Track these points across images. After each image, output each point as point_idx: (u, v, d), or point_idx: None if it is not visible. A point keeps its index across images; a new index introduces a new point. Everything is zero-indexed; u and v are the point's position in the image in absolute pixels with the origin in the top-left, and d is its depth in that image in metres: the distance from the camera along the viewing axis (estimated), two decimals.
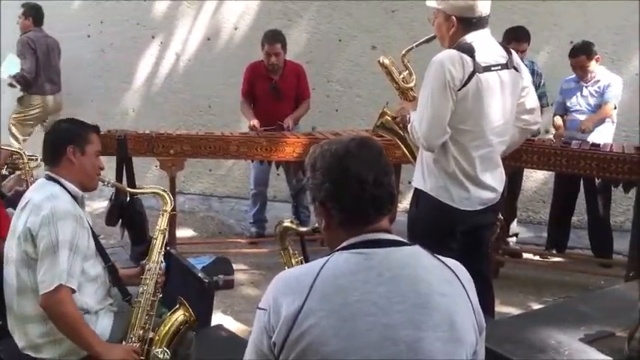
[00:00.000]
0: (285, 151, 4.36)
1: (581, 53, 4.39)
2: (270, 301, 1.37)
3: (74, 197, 2.28)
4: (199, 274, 2.97)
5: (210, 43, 6.12)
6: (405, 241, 1.45)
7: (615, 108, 4.44)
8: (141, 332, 2.25)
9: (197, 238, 5.13)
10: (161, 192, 2.57)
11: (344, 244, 1.43)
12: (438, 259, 1.44)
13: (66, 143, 2.32)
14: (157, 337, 2.23)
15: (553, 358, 1.81)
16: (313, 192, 1.48)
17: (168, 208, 2.52)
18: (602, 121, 4.45)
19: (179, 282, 3.06)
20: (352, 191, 1.41)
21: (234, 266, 4.29)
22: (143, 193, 2.73)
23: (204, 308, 2.92)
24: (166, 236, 2.48)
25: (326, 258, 1.40)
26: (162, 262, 2.43)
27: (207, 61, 6.14)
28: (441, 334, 1.34)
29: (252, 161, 4.64)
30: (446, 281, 1.40)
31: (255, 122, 4.70)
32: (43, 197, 2.20)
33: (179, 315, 2.24)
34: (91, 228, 2.33)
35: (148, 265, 2.37)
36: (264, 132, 4.63)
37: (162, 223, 2.48)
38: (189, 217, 5.60)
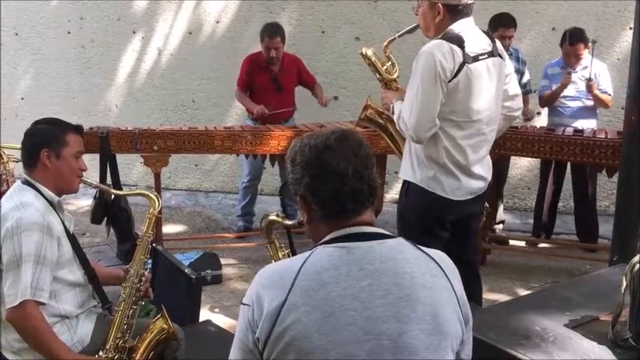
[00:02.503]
0: (270, 144, 4.35)
1: (579, 41, 4.39)
2: (253, 297, 1.37)
3: (51, 202, 2.22)
4: (186, 270, 2.95)
5: (192, 38, 6.08)
6: (388, 233, 1.44)
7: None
8: (119, 342, 2.22)
9: (184, 234, 5.10)
10: (147, 193, 2.50)
11: (326, 238, 1.43)
12: (422, 250, 1.44)
13: (40, 147, 2.22)
14: (138, 346, 2.21)
15: (538, 344, 1.82)
16: (294, 186, 1.47)
17: (155, 210, 2.42)
18: (595, 106, 4.48)
19: (166, 279, 3.05)
20: (332, 185, 1.41)
21: (222, 261, 4.28)
22: (129, 195, 2.64)
23: (191, 304, 2.92)
24: (151, 240, 2.42)
25: (308, 252, 1.40)
26: (146, 268, 2.37)
27: (189, 55, 6.10)
28: (425, 327, 1.34)
29: (247, 156, 4.62)
30: (429, 273, 1.40)
31: (260, 107, 4.68)
32: (12, 207, 2.13)
33: (161, 324, 2.21)
34: (70, 233, 2.27)
35: (130, 272, 2.32)
36: (272, 116, 4.67)
37: (148, 227, 2.39)
38: (176, 213, 5.57)
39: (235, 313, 3.62)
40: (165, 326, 2.18)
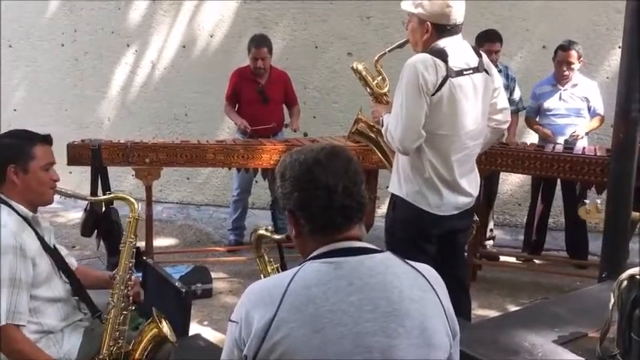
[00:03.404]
0: (262, 158, 4.35)
1: (572, 49, 4.44)
2: (241, 314, 1.36)
3: (25, 218, 2.16)
4: (176, 284, 2.93)
5: (185, 51, 6.11)
6: (376, 248, 1.45)
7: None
8: (113, 348, 2.20)
9: (175, 247, 5.09)
10: (124, 197, 2.43)
11: (314, 253, 1.43)
12: (409, 264, 1.45)
13: (6, 163, 2.14)
14: (132, 351, 2.19)
15: None
16: (283, 201, 1.47)
17: (135, 214, 2.36)
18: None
19: (156, 292, 3.03)
20: (320, 201, 1.41)
21: (213, 275, 4.27)
22: (105, 200, 2.54)
23: (181, 318, 2.89)
24: (135, 244, 2.37)
25: (297, 268, 1.40)
26: (132, 272, 2.35)
27: (183, 69, 6.12)
28: (414, 341, 1.34)
29: (238, 170, 4.63)
30: (417, 287, 1.40)
31: (244, 122, 4.73)
32: None
33: (154, 327, 2.20)
34: (50, 246, 2.23)
35: (116, 277, 2.30)
36: (253, 132, 4.70)
37: (130, 231, 2.34)
38: (167, 226, 5.55)
39: (225, 327, 3.56)
40: (156, 329, 2.17)
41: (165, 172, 4.58)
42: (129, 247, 2.33)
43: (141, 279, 2.97)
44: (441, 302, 1.42)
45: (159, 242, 4.98)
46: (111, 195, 2.53)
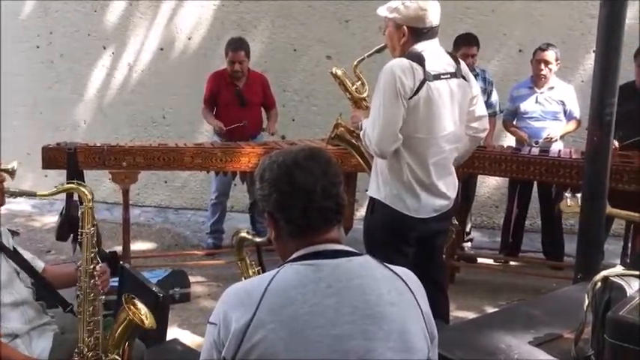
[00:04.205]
0: (240, 161, 4.33)
1: (551, 49, 4.50)
2: (220, 316, 1.36)
3: None
4: (154, 288, 2.91)
5: (163, 54, 6.06)
6: (355, 251, 1.45)
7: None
8: (89, 340, 2.18)
9: (152, 251, 5.04)
10: (77, 187, 2.34)
11: (293, 255, 1.43)
12: (388, 268, 1.45)
13: None
14: (109, 339, 2.17)
15: None
16: (262, 203, 1.47)
17: (90, 203, 2.29)
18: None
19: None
20: (299, 203, 1.41)
21: (191, 279, 4.24)
22: (56, 193, 2.43)
23: (158, 323, 2.87)
24: (93, 233, 2.29)
25: (276, 270, 1.40)
26: (97, 262, 2.28)
27: (160, 71, 6.08)
28: (392, 344, 1.35)
29: (217, 173, 4.61)
30: (396, 290, 1.41)
31: (219, 123, 4.72)
32: None
33: (125, 314, 2.17)
34: (8, 248, 2.19)
35: (80, 270, 2.25)
36: (228, 132, 4.70)
37: (85, 221, 2.27)
38: (145, 230, 5.51)
39: (203, 331, 3.55)
40: (126, 315, 2.13)
41: (142, 175, 4.54)
42: (87, 237, 2.28)
43: (118, 284, 2.95)
44: (419, 305, 1.43)
45: (136, 246, 4.93)
46: (62, 187, 2.42)
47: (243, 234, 2.13)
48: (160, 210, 6.14)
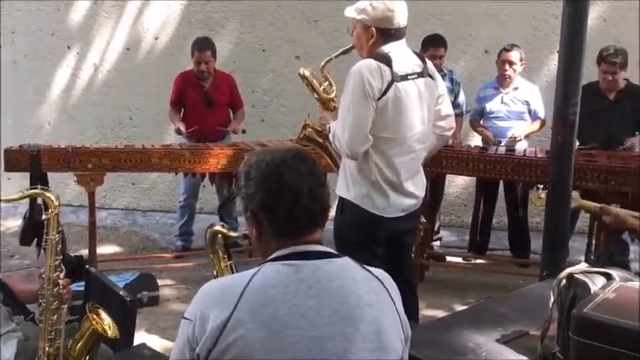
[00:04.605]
0: (209, 162, 4.30)
1: (514, 50, 4.57)
2: (196, 312, 1.35)
3: None
4: (121, 293, 2.87)
5: (129, 53, 5.98)
6: (335, 252, 1.46)
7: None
8: (50, 349, 2.13)
9: (120, 255, 4.97)
10: (42, 192, 2.24)
11: (275, 254, 1.42)
12: (367, 270, 1.46)
13: None
14: (70, 350, 2.12)
15: None
16: (246, 201, 1.46)
17: (55, 209, 2.21)
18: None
19: (99, 302, 2.94)
20: (286, 203, 1.40)
21: (160, 282, 4.19)
22: (22, 199, 2.34)
23: (126, 328, 2.82)
24: (58, 240, 2.22)
25: (256, 269, 1.39)
26: (61, 270, 2.22)
27: (126, 71, 5.99)
28: (369, 345, 1.35)
29: (185, 175, 4.56)
30: (374, 292, 1.42)
31: (180, 125, 4.66)
32: None
33: (88, 324, 2.12)
34: None
35: (43, 277, 2.18)
36: (190, 135, 4.66)
37: (51, 228, 2.19)
38: (112, 233, 5.42)
39: (173, 335, 3.53)
40: (91, 325, 2.09)
41: (109, 177, 4.47)
42: (52, 244, 2.23)
43: (84, 288, 2.90)
44: (395, 307, 1.44)
45: (103, 250, 4.86)
46: (28, 192, 2.29)
47: (218, 227, 2.13)
48: (127, 212, 6.05)
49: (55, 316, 2.16)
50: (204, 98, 4.78)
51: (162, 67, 5.76)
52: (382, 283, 1.44)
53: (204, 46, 4.74)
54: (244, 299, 1.32)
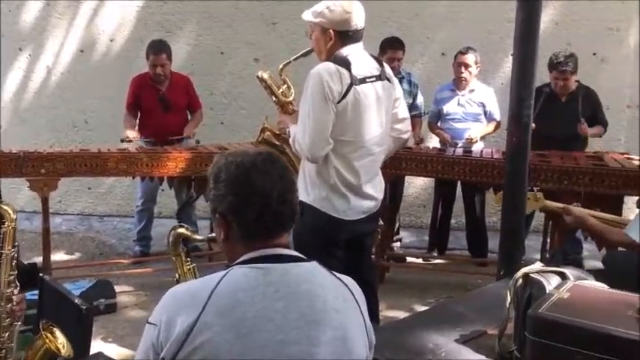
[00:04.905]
0: (167, 166, 4.24)
1: (470, 53, 4.64)
2: (161, 317, 1.33)
3: None
4: (76, 301, 2.80)
5: (84, 56, 5.85)
6: (303, 257, 1.45)
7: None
8: None
9: (75, 261, 4.85)
10: None
11: (243, 258, 1.41)
12: (335, 275, 1.46)
13: None
14: None
15: None
16: (214, 203, 1.44)
17: (12, 223, 2.15)
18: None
19: (54, 311, 2.87)
20: (255, 206, 1.40)
21: (117, 288, 4.11)
22: None
23: (81, 337, 2.76)
24: (14, 255, 2.17)
25: (223, 272, 1.38)
26: (16, 286, 2.16)
27: (81, 74, 5.86)
28: (334, 349, 1.36)
29: (142, 179, 4.48)
30: (341, 297, 1.42)
31: (129, 133, 4.56)
32: None
33: (41, 342, 2.06)
34: None
35: None
36: (140, 142, 4.59)
37: (7, 242, 2.13)
38: (67, 239, 5.29)
39: (131, 342, 3.48)
40: (44, 343, 2.03)
41: (64, 182, 4.37)
42: (7, 259, 2.16)
43: (37, 297, 2.82)
44: (362, 313, 1.45)
45: (58, 257, 4.74)
46: None
47: (182, 230, 2.09)
48: (83, 218, 5.92)
49: (7, 334, 2.09)
50: (160, 102, 4.71)
51: (118, 70, 5.66)
52: (350, 289, 1.45)
53: (159, 49, 4.67)
54: (212, 302, 1.31)
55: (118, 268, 4.61)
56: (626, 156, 4.34)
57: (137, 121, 4.86)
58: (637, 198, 2.95)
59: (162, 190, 5.00)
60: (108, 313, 3.89)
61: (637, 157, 4.25)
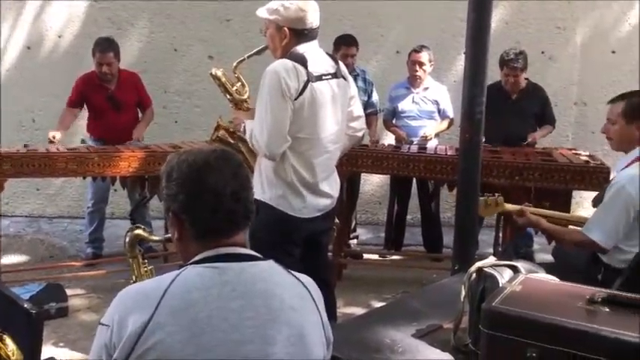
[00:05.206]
0: (119, 166, 4.15)
1: (423, 51, 4.69)
2: (114, 317, 1.30)
3: None
4: (25, 305, 2.71)
5: (31, 53, 5.68)
6: (259, 255, 1.44)
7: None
8: None
9: (24, 265, 4.70)
10: None
11: (197, 257, 1.39)
12: (291, 274, 1.45)
13: None
14: None
15: (388, 356, 1.89)
16: (167, 202, 1.42)
17: None
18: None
19: (2, 317, 2.78)
20: (208, 204, 1.38)
21: (69, 292, 4.01)
22: None
23: (31, 343, 2.68)
24: None
25: (177, 271, 1.36)
26: None
27: (28, 71, 5.69)
28: (291, 349, 1.35)
29: (94, 179, 4.37)
30: (298, 296, 1.41)
31: (55, 134, 4.42)
32: None
33: None
34: None
35: None
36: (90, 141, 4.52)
37: None
38: (15, 242, 5.13)
39: (84, 346, 3.40)
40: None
41: (11, 183, 4.22)
42: None
43: None
44: (319, 312, 1.44)
45: (6, 260, 4.59)
46: None
47: (139, 231, 2.05)
48: (32, 220, 5.75)
49: None
50: (110, 101, 4.59)
51: (67, 67, 5.50)
52: (307, 288, 1.45)
53: (106, 47, 4.51)
54: (165, 302, 1.29)
55: (70, 270, 4.49)
56: (574, 152, 4.48)
57: (86, 121, 4.74)
58: (592, 196, 3.02)
59: (115, 190, 4.90)
60: (59, 317, 3.79)
61: (584, 153, 4.39)
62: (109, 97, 4.59)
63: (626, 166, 2.72)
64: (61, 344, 3.48)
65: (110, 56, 4.51)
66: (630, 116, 2.73)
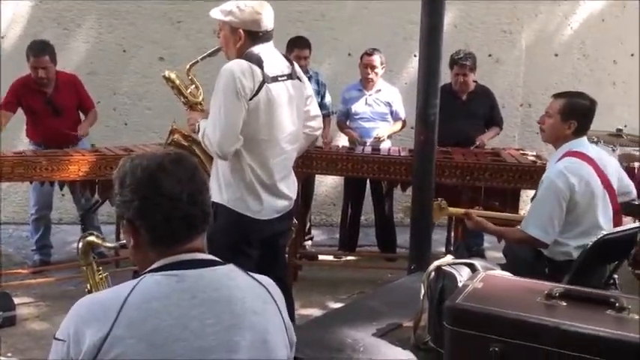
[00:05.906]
0: (69, 170, 4.03)
1: (375, 54, 4.74)
2: (69, 331, 1.26)
3: None
4: None
5: None
6: (219, 260, 1.42)
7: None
8: None
9: None
10: None
11: (155, 265, 1.35)
12: (252, 277, 1.44)
13: None
14: None
15: (350, 356, 1.90)
16: (121, 209, 1.38)
17: None
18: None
19: None
20: (163, 210, 1.34)
21: (16, 300, 3.86)
22: None
23: None
24: None
25: (135, 281, 1.32)
26: None
27: None
28: (254, 353, 1.34)
29: (32, 182, 4.22)
30: (259, 299, 1.40)
31: None
32: None
33: None
34: None
35: None
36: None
37: None
38: None
39: (33, 356, 3.29)
40: None
41: None
42: None
43: None
44: (281, 314, 1.43)
45: None
46: None
47: (92, 238, 2.00)
48: None
49: None
50: (48, 106, 4.42)
51: (9, 69, 5.28)
52: (268, 290, 1.43)
53: (40, 50, 4.32)
54: (123, 314, 1.25)
55: (17, 278, 4.33)
56: (521, 152, 4.62)
57: (24, 125, 4.57)
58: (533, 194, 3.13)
59: (63, 195, 4.76)
60: (7, 326, 3.65)
61: (531, 153, 4.53)
62: (48, 102, 4.42)
63: (557, 162, 2.85)
64: (9, 354, 3.36)
65: (45, 60, 4.32)
66: (567, 114, 2.86)
